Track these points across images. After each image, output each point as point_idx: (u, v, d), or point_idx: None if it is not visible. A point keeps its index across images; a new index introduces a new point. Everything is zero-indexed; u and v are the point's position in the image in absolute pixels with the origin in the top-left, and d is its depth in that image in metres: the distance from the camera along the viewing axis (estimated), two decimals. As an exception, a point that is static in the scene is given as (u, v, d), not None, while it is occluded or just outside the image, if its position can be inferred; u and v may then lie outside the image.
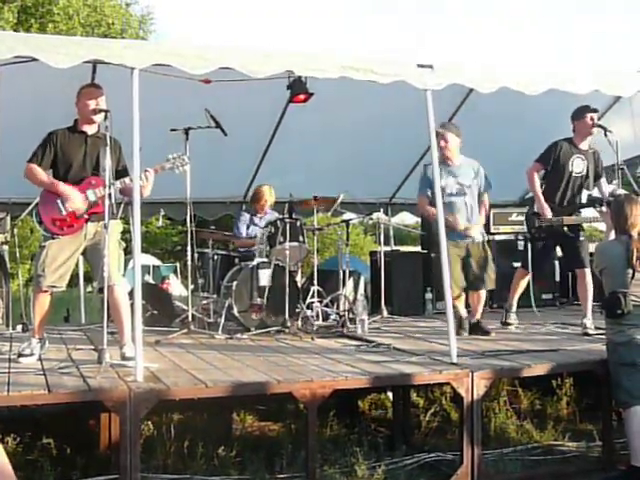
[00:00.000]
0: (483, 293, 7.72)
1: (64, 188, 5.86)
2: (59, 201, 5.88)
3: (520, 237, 10.05)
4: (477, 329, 7.54)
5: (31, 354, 5.96)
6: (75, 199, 5.86)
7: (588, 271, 7.53)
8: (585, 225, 7.85)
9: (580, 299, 7.73)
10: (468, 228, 7.47)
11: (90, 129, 6.01)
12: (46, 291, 5.88)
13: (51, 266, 5.84)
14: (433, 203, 6.89)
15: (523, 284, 7.98)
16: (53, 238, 5.89)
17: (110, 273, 5.60)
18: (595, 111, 7.58)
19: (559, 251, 8.77)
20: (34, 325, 6.05)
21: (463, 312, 7.63)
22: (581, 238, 7.63)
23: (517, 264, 9.26)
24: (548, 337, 7.34)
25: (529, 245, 7.81)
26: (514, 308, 8.04)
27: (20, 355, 5.94)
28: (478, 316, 7.66)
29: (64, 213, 5.88)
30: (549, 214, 7.48)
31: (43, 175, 5.88)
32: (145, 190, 5.85)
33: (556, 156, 7.61)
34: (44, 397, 4.81)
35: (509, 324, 7.97)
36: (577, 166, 7.63)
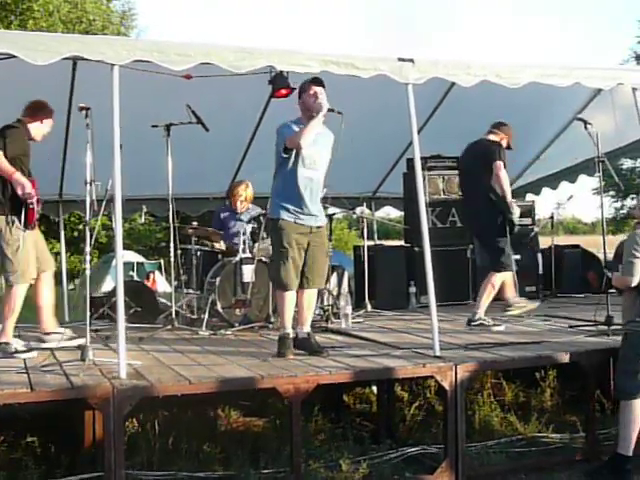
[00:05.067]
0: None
1: (20, 176, 5.93)
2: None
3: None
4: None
5: (30, 349, 6.09)
6: (29, 186, 5.92)
7: None
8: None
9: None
10: None
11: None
12: (30, 283, 6.12)
13: (28, 260, 6.02)
14: None
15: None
16: (20, 234, 6.00)
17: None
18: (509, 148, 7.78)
19: (542, 244, 8.83)
20: (7, 325, 6.15)
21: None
22: None
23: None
24: (531, 329, 7.36)
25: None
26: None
27: (17, 352, 6.02)
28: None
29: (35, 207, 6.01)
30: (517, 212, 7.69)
31: (6, 163, 5.93)
32: None
33: (504, 154, 7.77)
34: (27, 395, 4.79)
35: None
36: None
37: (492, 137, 7.76)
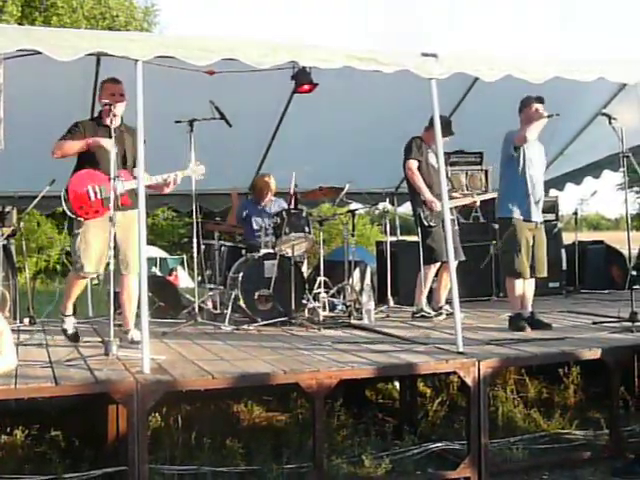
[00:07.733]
0: None
1: (96, 139, 5.99)
2: (90, 187, 6.02)
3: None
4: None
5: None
6: (107, 143, 5.88)
7: None
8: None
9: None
10: None
11: (114, 122, 6.02)
12: (84, 277, 6.25)
13: (86, 252, 6.07)
14: None
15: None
16: (82, 224, 6.06)
17: (131, 262, 6.07)
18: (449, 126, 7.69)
19: (565, 239, 8.79)
20: (65, 303, 6.42)
21: None
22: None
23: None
24: (555, 325, 7.31)
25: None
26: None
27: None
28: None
29: (93, 199, 6.02)
30: (439, 206, 7.61)
31: (75, 141, 6.02)
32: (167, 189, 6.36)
33: (419, 151, 7.92)
34: (51, 390, 4.82)
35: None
36: (433, 160, 7.89)
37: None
